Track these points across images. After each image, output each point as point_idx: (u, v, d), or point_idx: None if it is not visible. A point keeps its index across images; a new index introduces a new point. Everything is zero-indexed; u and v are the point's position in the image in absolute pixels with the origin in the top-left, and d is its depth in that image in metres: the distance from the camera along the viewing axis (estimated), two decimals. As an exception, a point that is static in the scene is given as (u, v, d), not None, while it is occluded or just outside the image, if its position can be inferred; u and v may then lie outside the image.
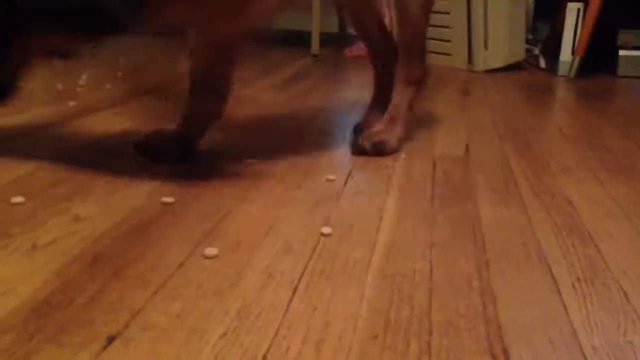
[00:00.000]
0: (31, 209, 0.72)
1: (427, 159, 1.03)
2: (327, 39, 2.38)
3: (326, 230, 0.71)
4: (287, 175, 0.91)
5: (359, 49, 2.36)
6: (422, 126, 1.26)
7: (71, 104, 1.28)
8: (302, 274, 0.61)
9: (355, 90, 1.66)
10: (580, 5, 1.97)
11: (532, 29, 2.29)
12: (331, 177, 0.90)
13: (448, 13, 2.07)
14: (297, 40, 2.48)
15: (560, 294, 0.59)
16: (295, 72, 1.91)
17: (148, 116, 1.23)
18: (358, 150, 1.03)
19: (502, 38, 2.04)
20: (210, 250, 0.64)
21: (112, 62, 1.85)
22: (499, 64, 2.05)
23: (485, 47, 2.04)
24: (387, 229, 0.73)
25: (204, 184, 0.85)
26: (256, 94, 1.54)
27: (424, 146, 1.11)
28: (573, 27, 1.98)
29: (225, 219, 0.73)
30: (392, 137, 1.05)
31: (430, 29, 2.14)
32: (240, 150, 1.03)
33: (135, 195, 0.79)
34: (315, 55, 2.23)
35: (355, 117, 1.20)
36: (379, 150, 1.02)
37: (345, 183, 0.89)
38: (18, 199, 0.73)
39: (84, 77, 1.53)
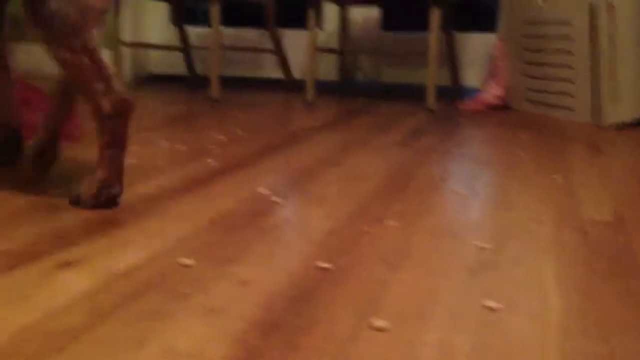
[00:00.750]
0: (199, 271, 0.75)
1: (575, 225, 0.98)
2: (439, 92, 2.38)
3: (493, 304, 0.68)
4: (434, 240, 0.90)
5: (474, 102, 2.34)
6: (560, 188, 1.21)
7: (209, 161, 1.34)
8: (477, 351, 0.59)
9: (477, 148, 1.63)
10: None
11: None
12: (483, 244, 0.88)
13: (572, 67, 2.02)
14: (407, 94, 2.49)
15: None
16: (414, 127, 1.91)
17: (283, 173, 1.26)
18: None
19: (631, 90, 1.95)
20: (378, 322, 0.64)
21: (230, 120, 1.94)
22: (628, 117, 1.96)
23: (613, 100, 1.96)
24: (554, 304, 0.70)
25: (354, 248, 0.85)
26: (380, 151, 1.55)
27: (568, 210, 1.06)
28: None
29: (384, 287, 0.73)
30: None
31: (552, 83, 2.09)
32: (378, 212, 1.03)
33: (291, 259, 0.80)
34: (431, 110, 2.23)
35: (483, 174, 1.17)
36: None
37: (497, 251, 0.86)
38: (187, 260, 0.77)
39: (213, 135, 1.60)
